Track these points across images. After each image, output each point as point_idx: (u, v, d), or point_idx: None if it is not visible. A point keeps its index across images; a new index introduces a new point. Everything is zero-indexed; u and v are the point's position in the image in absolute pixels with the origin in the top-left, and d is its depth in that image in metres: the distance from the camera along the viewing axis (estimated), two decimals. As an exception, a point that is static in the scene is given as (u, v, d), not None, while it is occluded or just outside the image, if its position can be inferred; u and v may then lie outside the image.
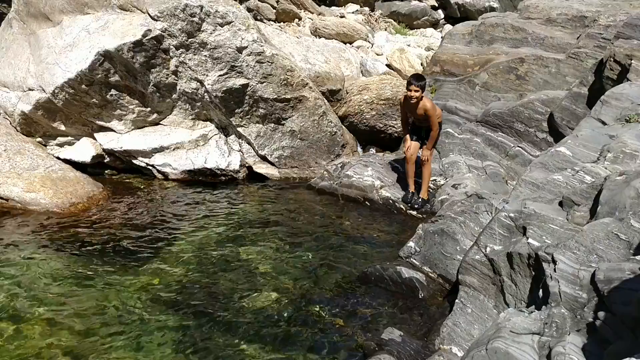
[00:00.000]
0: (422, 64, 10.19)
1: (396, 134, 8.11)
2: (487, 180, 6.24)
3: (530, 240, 3.49)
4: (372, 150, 8.11)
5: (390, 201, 6.19)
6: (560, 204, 3.80)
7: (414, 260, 4.59)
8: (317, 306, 4.19)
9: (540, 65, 6.87)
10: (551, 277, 3.14)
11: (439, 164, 6.58)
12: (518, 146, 6.48)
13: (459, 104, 7.22)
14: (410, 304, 4.19)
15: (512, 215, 3.82)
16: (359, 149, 8.25)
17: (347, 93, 8.31)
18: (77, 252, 5.13)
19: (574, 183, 3.91)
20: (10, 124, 7.29)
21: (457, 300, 3.76)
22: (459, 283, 3.88)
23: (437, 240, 4.57)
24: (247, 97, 7.14)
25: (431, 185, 6.27)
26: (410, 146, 6.00)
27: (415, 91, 5.61)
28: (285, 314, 4.09)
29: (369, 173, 6.51)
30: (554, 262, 3.19)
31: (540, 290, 3.22)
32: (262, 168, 7.61)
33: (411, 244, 4.69)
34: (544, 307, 3.11)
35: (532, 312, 3.16)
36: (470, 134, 6.84)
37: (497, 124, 6.71)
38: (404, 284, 4.36)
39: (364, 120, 8.13)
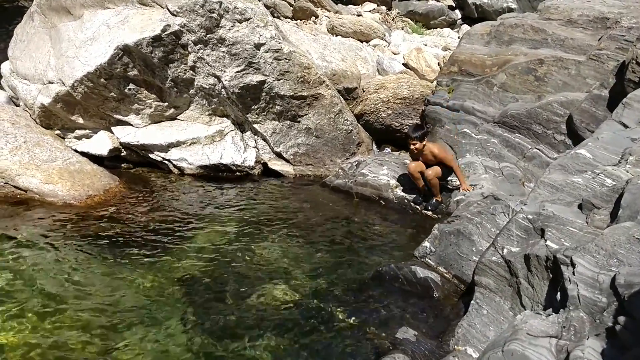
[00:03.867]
0: (438, 64, 10.12)
1: (412, 134, 8.08)
2: (503, 182, 6.19)
3: (548, 242, 3.45)
4: (388, 150, 8.08)
5: (405, 200, 6.17)
6: (580, 206, 3.76)
7: (429, 260, 4.57)
8: (330, 304, 4.18)
9: (559, 66, 6.79)
10: (570, 280, 3.10)
11: (455, 165, 6.54)
12: (535, 148, 6.42)
13: (476, 105, 7.16)
14: (425, 304, 4.17)
15: (530, 217, 3.78)
16: (374, 148, 8.23)
17: (364, 91, 8.29)
18: (92, 243, 5.18)
19: (594, 186, 3.87)
20: (30, 116, 7.38)
21: (472, 302, 3.74)
22: (474, 284, 3.85)
23: (453, 240, 4.54)
24: (263, 94, 7.15)
25: (447, 186, 6.24)
26: (412, 163, 6.03)
27: (414, 144, 5.76)
28: (298, 311, 4.09)
29: (385, 172, 6.49)
30: (573, 265, 3.15)
31: (558, 293, 3.19)
32: (277, 165, 7.62)
33: (426, 243, 4.67)
34: (561, 310, 3.08)
35: (549, 315, 3.13)
36: (487, 135, 6.79)
37: (515, 125, 6.65)
38: (418, 284, 4.35)
39: (380, 119, 8.10)
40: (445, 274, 4.44)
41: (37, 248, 5.03)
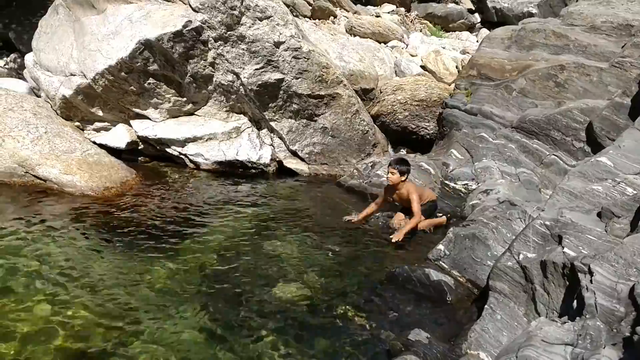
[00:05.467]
0: (457, 67, 10.08)
1: (428, 136, 8.06)
2: (520, 188, 6.14)
3: (566, 249, 3.43)
4: (403, 151, 8.06)
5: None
6: (599, 215, 3.72)
7: (442, 264, 4.56)
8: (342, 303, 4.17)
9: (581, 73, 6.73)
10: (587, 288, 3.08)
11: (471, 169, 6.51)
12: (553, 154, 6.37)
13: (494, 109, 7.12)
14: (438, 307, 4.15)
15: (547, 223, 3.76)
16: (390, 150, 8.21)
17: (381, 92, 8.28)
18: (108, 234, 5.23)
19: (614, 194, 3.83)
20: (51, 107, 7.47)
21: (486, 306, 3.71)
22: (488, 289, 3.83)
23: (467, 244, 4.52)
24: (281, 92, 7.18)
25: (462, 190, 6.22)
26: (396, 216, 5.73)
27: (392, 173, 5.43)
28: (309, 309, 4.09)
29: (400, 174, 6.46)
30: (591, 273, 3.12)
31: (575, 301, 3.17)
32: (292, 163, 7.64)
33: (441, 246, 4.65)
34: (578, 318, 3.06)
35: (564, 322, 3.11)
36: (504, 140, 6.75)
37: (533, 131, 6.60)
38: (431, 287, 4.33)
39: (397, 121, 8.09)
40: (459, 278, 4.42)
41: (54, 236, 5.09)
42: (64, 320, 3.73)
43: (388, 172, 5.51)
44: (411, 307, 4.16)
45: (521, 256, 3.71)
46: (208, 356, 3.48)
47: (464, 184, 6.34)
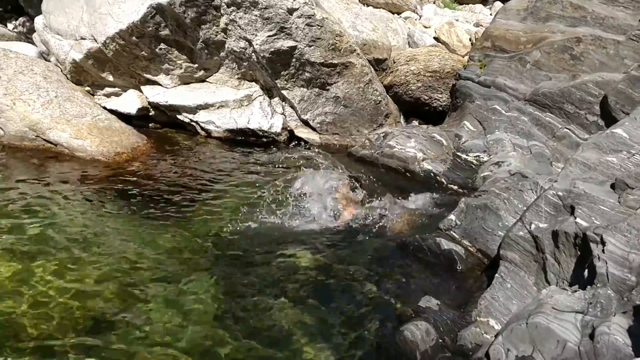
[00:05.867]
0: (470, 40, 9.94)
1: (440, 108, 7.99)
2: (531, 160, 6.12)
3: (578, 219, 3.44)
4: (415, 123, 8.01)
5: (432, 174, 6.14)
6: (612, 186, 3.72)
7: (453, 233, 4.58)
8: (352, 270, 4.22)
9: (597, 46, 6.62)
10: (599, 258, 3.10)
11: (483, 141, 6.47)
12: (566, 128, 6.31)
13: (508, 81, 7.03)
14: (448, 275, 4.19)
15: (560, 193, 3.76)
16: (402, 120, 8.17)
17: (394, 63, 8.19)
18: (118, 199, 5.28)
19: (628, 166, 3.81)
20: (61, 71, 7.45)
21: (496, 275, 3.75)
22: (499, 258, 3.85)
23: (479, 214, 4.54)
24: (294, 60, 7.11)
25: (474, 161, 6.21)
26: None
27: (344, 185, 5.31)
28: (320, 276, 4.14)
29: (412, 144, 6.45)
30: (603, 243, 3.14)
31: (586, 270, 3.19)
32: (303, 132, 7.62)
33: (452, 216, 4.67)
34: (588, 287, 3.08)
35: (575, 291, 3.14)
36: (517, 112, 6.68)
37: (546, 104, 6.53)
38: (442, 256, 4.37)
39: (409, 92, 8.01)
40: (469, 247, 4.45)
41: (64, 201, 5.14)
42: (71, 284, 3.76)
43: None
44: (422, 275, 4.20)
45: (533, 226, 3.73)
46: (220, 321, 3.53)
47: (476, 156, 6.31)
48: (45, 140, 6.46)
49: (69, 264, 4.03)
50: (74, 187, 5.52)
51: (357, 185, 5.56)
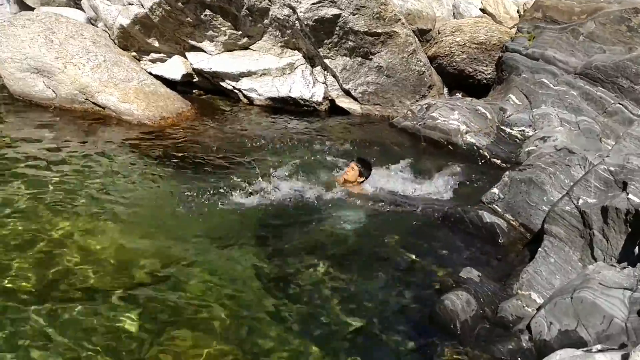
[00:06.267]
0: (517, 11, 9.60)
1: (485, 81, 7.82)
2: (579, 136, 5.95)
3: (630, 195, 3.35)
4: (459, 95, 7.86)
5: (475, 147, 6.05)
6: (668, 163, 3.60)
7: (496, 207, 4.53)
8: (394, 240, 4.22)
9: (657, 17, 6.32)
10: (651, 235, 3.02)
11: (529, 115, 6.31)
12: (619, 103, 6.09)
13: (557, 54, 6.79)
14: (489, 248, 4.17)
15: (612, 168, 3.66)
16: (445, 92, 8.03)
17: (439, 33, 8.01)
18: (163, 162, 5.41)
19: (686, 143, 3.68)
20: (109, 36, 7.58)
21: (540, 249, 3.70)
22: (543, 232, 3.80)
23: (523, 188, 4.47)
24: (337, 28, 7.03)
25: (518, 136, 6.09)
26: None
27: (352, 169, 5.04)
28: (361, 245, 4.17)
29: (455, 117, 6.34)
30: (656, 220, 3.06)
31: (637, 247, 3.12)
32: (344, 102, 7.59)
33: (495, 190, 4.61)
34: (638, 264, 3.02)
35: (624, 267, 3.08)
36: (566, 87, 6.47)
37: (598, 78, 6.30)
38: (484, 228, 4.33)
39: (454, 63, 7.85)
40: (512, 221, 4.40)
41: (111, 162, 5.30)
42: (118, 241, 3.87)
43: (349, 168, 5.11)
44: (463, 247, 4.19)
45: (580, 201, 3.65)
46: (261, 287, 3.58)
47: (521, 130, 6.18)
48: (94, 103, 6.64)
49: (112, 218, 4.17)
50: (119, 149, 5.68)
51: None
